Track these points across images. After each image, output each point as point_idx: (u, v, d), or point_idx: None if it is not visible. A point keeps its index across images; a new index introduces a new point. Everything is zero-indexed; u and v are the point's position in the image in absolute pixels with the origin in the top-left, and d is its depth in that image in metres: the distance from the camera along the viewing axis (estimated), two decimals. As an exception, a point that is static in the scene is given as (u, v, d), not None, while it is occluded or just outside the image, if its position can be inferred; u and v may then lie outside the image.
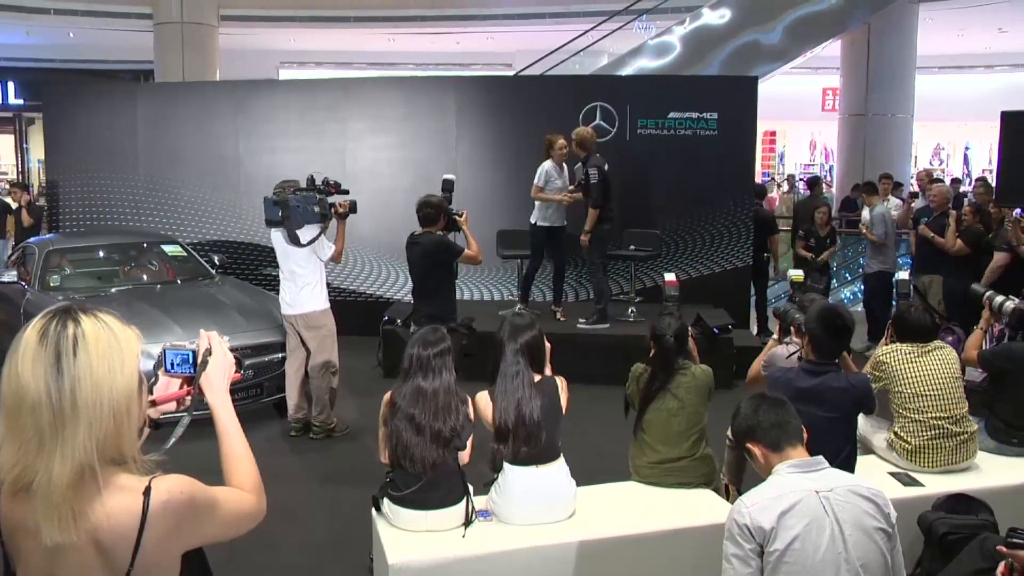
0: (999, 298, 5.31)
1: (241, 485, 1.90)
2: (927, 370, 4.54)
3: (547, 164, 8.29)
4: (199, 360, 1.95)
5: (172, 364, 1.96)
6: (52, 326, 1.66)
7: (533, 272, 8.65)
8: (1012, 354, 4.97)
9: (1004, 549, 3.13)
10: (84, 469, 1.62)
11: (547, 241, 8.41)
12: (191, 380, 1.96)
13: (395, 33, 19.07)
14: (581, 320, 8.35)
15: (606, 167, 7.96)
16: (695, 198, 9.59)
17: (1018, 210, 7.72)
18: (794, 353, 4.61)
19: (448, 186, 6.58)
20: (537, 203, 8.35)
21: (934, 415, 4.46)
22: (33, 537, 1.62)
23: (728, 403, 3.45)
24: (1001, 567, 3.12)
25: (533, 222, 8.41)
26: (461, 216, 6.34)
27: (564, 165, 8.39)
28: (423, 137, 10.12)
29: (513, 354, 4.05)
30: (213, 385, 1.96)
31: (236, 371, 2.02)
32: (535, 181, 8.29)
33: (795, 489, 2.75)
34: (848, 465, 3.86)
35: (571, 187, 8.34)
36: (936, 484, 4.34)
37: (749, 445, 2.95)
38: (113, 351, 1.68)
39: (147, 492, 1.66)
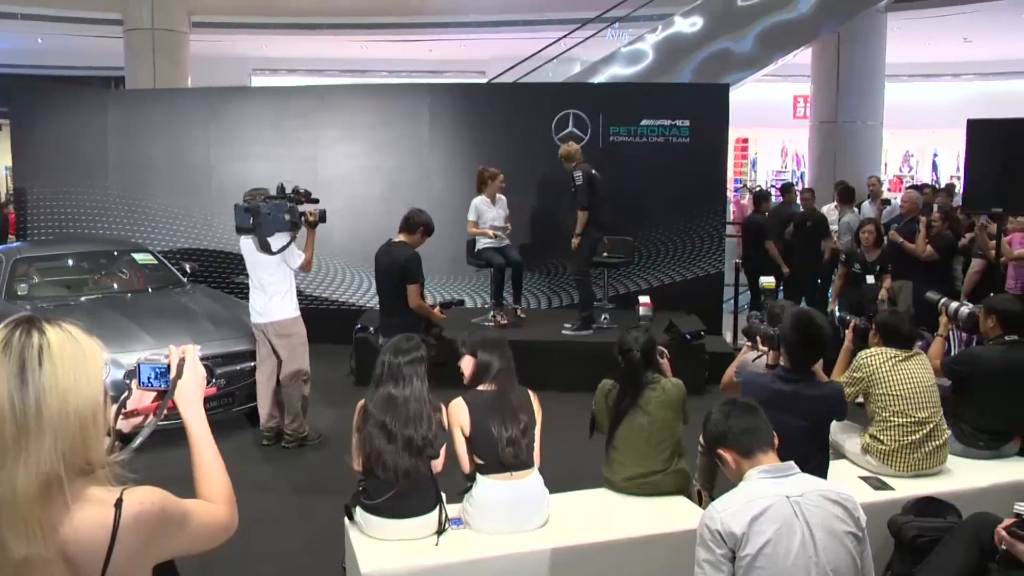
0: (954, 304, 5.42)
1: (212, 497, 1.89)
2: (909, 374, 4.60)
3: (477, 199, 8.49)
4: (174, 373, 1.94)
5: (148, 378, 1.94)
6: (16, 336, 1.63)
7: (501, 278, 8.72)
8: (974, 360, 5.06)
9: (1004, 534, 3.21)
10: (51, 481, 1.59)
11: (498, 253, 8.54)
12: (164, 393, 1.95)
13: (368, 40, 19.02)
14: (566, 326, 8.38)
15: (593, 171, 8.05)
16: (667, 205, 9.64)
17: (984, 216, 7.83)
18: (760, 356, 4.65)
19: (455, 302, 6.89)
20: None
21: (915, 419, 4.51)
22: (1, 550, 1.60)
23: (701, 409, 3.47)
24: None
25: (478, 249, 8.59)
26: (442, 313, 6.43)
27: (500, 196, 8.56)
28: (396, 145, 10.11)
29: (500, 369, 4.07)
30: (187, 398, 1.95)
31: (208, 384, 2.01)
32: (468, 216, 8.48)
33: (766, 494, 2.77)
34: (821, 472, 3.88)
35: (503, 224, 8.55)
36: (906, 488, 4.40)
37: (720, 451, 2.97)
38: (79, 361, 1.66)
39: (118, 504, 1.64)
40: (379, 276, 6.37)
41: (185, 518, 1.77)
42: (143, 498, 1.67)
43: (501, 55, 16.25)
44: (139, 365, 1.95)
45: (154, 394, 1.97)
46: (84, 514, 1.62)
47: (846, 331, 5.11)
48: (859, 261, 8.61)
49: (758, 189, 13.29)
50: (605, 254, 8.97)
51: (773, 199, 11.38)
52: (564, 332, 8.30)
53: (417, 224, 6.28)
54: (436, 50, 19.75)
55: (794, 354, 4.16)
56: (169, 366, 1.95)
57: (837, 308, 8.31)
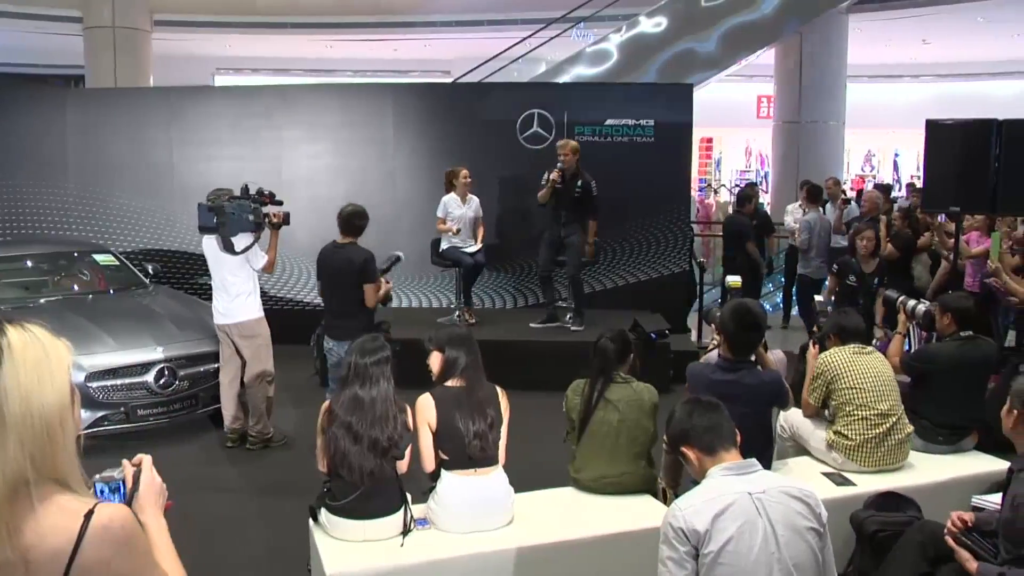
0: (911, 302, 5.53)
1: None
2: (868, 367, 4.67)
3: (447, 197, 8.58)
4: (130, 485, 1.87)
5: (102, 493, 1.86)
6: None
7: (468, 278, 8.80)
8: (931, 356, 5.17)
9: (952, 541, 3.34)
10: (18, 484, 1.57)
11: (465, 255, 8.60)
12: None
13: (332, 40, 18.95)
14: (569, 324, 8.51)
15: None
16: (632, 205, 9.67)
17: (942, 216, 7.95)
18: (712, 349, 4.73)
19: (393, 260, 6.65)
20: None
21: (877, 411, 4.57)
22: None
23: (666, 408, 3.50)
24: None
25: (443, 249, 8.67)
26: (385, 278, 6.38)
27: (472, 197, 8.65)
28: (360, 145, 10.07)
29: (467, 365, 4.08)
30: (143, 506, 1.88)
31: (167, 499, 1.93)
32: (437, 213, 8.58)
33: (728, 491, 2.80)
34: (763, 457, 3.97)
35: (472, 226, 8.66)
36: (868, 483, 4.45)
37: (684, 449, 2.99)
38: (42, 363, 1.64)
39: (89, 515, 1.61)
40: (330, 278, 6.30)
41: (150, 558, 1.74)
42: (115, 514, 1.65)
43: (466, 55, 16.26)
44: (95, 483, 1.86)
45: None
46: (52, 520, 1.60)
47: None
48: (854, 272, 7.57)
49: (742, 189, 13.30)
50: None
51: (760, 199, 11.33)
52: (574, 330, 8.39)
53: (362, 228, 6.27)
54: (401, 50, 19.72)
55: (733, 342, 4.32)
56: (124, 480, 1.88)
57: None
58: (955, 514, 3.55)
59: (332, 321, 6.29)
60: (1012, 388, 3.41)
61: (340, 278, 6.21)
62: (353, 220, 6.26)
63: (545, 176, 8.16)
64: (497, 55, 13.69)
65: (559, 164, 8.10)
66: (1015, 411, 3.33)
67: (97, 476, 1.87)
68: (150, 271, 8.28)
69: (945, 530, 3.52)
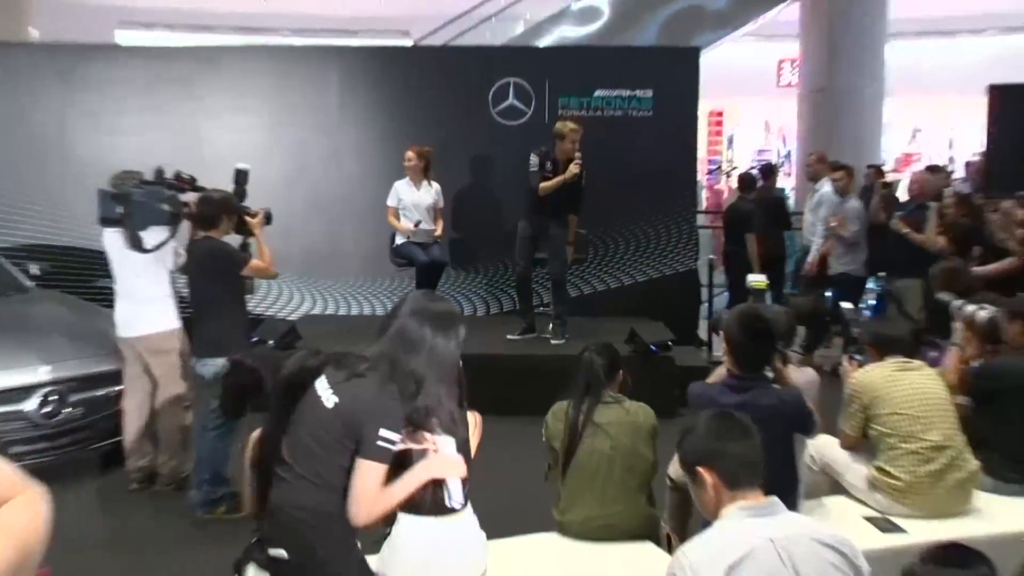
0: (970, 307, 5.45)
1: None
2: (915, 388, 4.60)
3: (398, 182, 8.66)
4: None
5: None
6: None
7: (425, 279, 8.76)
8: (999, 372, 5.09)
9: None
10: None
11: (420, 251, 8.62)
12: None
13: (267, -10, 18.95)
14: (550, 335, 8.53)
15: None
16: (628, 191, 9.71)
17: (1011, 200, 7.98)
18: (719, 363, 4.71)
19: (241, 178, 6.39)
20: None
21: (928, 442, 4.49)
22: None
23: (669, 436, 3.46)
24: None
25: (396, 245, 8.72)
26: (255, 217, 6.28)
27: (430, 182, 8.68)
28: (298, 117, 10.08)
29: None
30: None
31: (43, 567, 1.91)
32: (388, 201, 8.67)
33: (747, 537, 2.75)
34: (789, 495, 3.91)
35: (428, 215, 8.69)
36: (921, 531, 4.37)
37: (702, 470, 2.92)
38: None
39: None
40: (188, 282, 6.23)
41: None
42: None
43: (428, 13, 16.24)
44: None
45: None
46: None
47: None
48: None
49: (745, 171, 13.29)
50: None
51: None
52: (554, 343, 8.42)
53: (214, 217, 6.07)
54: (351, 6, 19.70)
55: (741, 354, 4.31)
56: None
57: None
58: None
59: (195, 332, 6.12)
60: None
61: (191, 283, 6.16)
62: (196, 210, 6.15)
63: (536, 159, 8.09)
64: (466, 13, 13.69)
65: (578, 154, 8.08)
66: None
67: None
68: (35, 271, 8.21)
69: None
